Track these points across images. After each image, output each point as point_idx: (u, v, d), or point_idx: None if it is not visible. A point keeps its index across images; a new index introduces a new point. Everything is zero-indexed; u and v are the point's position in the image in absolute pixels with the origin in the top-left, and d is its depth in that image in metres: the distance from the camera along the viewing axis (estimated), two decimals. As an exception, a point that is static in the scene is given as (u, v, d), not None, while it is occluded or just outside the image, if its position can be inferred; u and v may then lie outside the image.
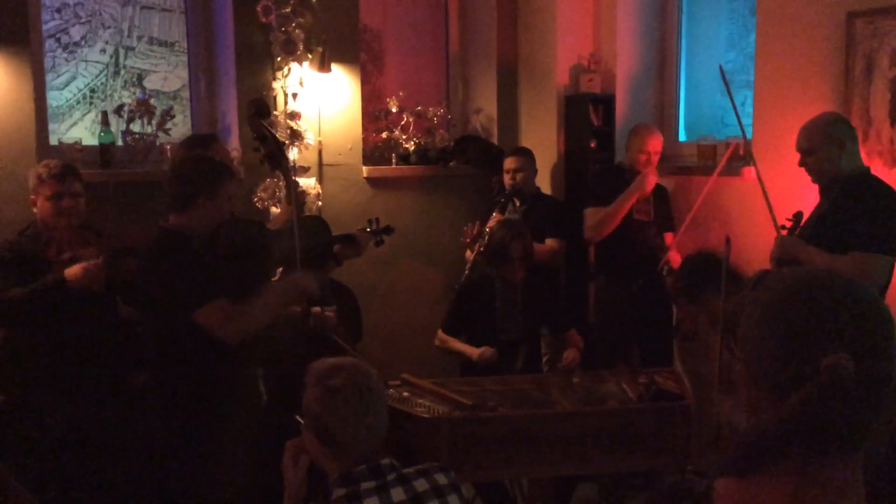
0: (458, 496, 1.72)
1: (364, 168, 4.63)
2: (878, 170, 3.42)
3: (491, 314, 3.67)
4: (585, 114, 4.65)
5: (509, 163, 4.25)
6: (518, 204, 4.25)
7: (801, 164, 3.20)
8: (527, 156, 4.32)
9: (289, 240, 2.88)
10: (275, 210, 4.02)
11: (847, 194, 3.04)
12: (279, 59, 4.25)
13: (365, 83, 4.75)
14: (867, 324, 0.93)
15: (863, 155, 3.48)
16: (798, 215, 3.30)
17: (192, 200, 2.68)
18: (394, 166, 4.77)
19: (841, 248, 2.96)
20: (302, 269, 2.85)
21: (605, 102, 4.67)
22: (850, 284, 0.98)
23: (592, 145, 4.67)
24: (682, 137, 4.81)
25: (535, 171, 4.35)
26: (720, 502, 0.99)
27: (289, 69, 4.26)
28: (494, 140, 4.95)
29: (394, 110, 4.80)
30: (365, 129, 4.73)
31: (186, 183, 2.70)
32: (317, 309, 2.98)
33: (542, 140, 4.81)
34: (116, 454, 2.93)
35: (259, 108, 3.16)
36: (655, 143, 4.19)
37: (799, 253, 3.02)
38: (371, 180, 4.66)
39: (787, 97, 3.79)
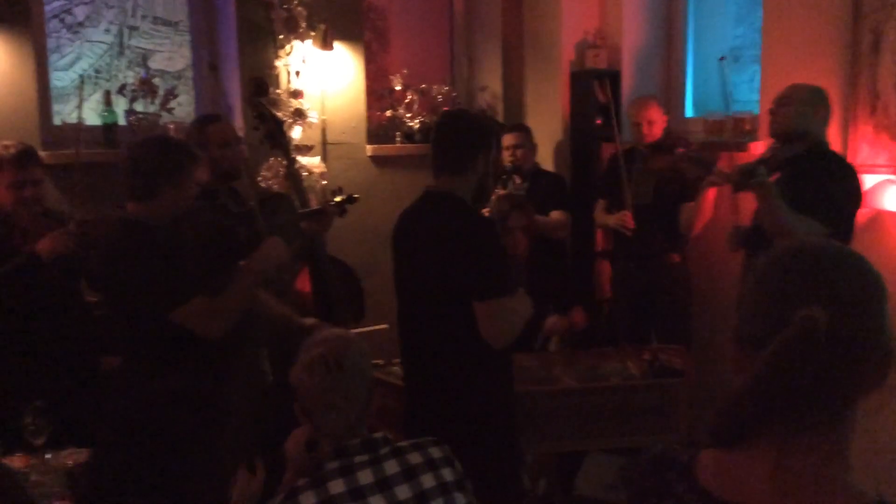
0: (452, 470, 1.72)
1: (368, 147, 4.62)
2: (885, 143, 3.38)
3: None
4: (591, 90, 4.61)
5: (508, 139, 4.23)
6: (519, 181, 4.23)
7: (771, 113, 3.19)
8: (525, 132, 4.29)
9: (254, 221, 2.77)
10: (277, 189, 4.02)
11: (811, 164, 3.05)
12: (281, 37, 4.23)
13: (369, 61, 4.72)
14: (848, 285, 0.93)
15: (869, 129, 3.45)
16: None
17: (154, 189, 2.47)
18: (398, 145, 4.76)
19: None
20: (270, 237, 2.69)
21: (612, 78, 4.63)
22: (837, 248, 0.97)
23: (598, 122, 4.63)
24: (689, 113, 4.77)
25: (534, 148, 4.32)
26: (704, 472, 0.99)
27: (291, 47, 4.24)
28: (500, 117, 4.92)
29: (398, 88, 4.78)
30: (369, 107, 4.71)
31: (148, 170, 2.47)
32: None
33: (548, 117, 4.78)
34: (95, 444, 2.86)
35: (258, 87, 3.14)
36: (646, 112, 4.11)
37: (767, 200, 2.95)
38: (375, 159, 4.65)
39: (794, 72, 3.73)
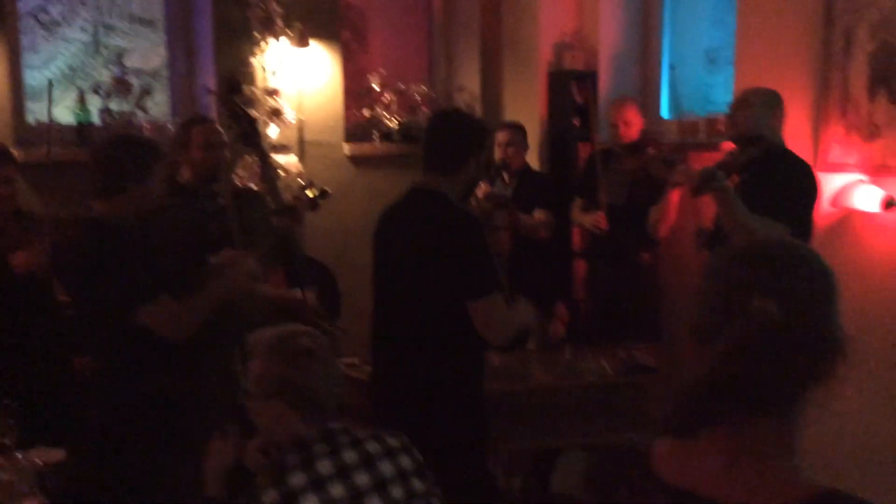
0: (411, 458, 1.73)
1: (346, 146, 4.62)
2: (856, 144, 3.42)
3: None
4: (569, 90, 4.64)
5: (501, 136, 4.25)
6: (507, 179, 4.25)
7: (730, 118, 3.25)
8: (519, 130, 4.31)
9: (226, 218, 2.75)
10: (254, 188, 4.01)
11: (768, 166, 3.09)
12: (257, 35, 4.23)
13: (347, 61, 4.73)
14: (800, 280, 0.95)
15: (840, 130, 3.50)
16: None
17: (119, 187, 2.43)
18: (376, 144, 4.76)
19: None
20: (240, 249, 2.68)
21: (589, 79, 4.66)
22: (789, 243, 1.00)
23: (576, 122, 4.66)
24: (665, 114, 4.81)
25: (526, 147, 4.34)
26: (659, 461, 1.00)
27: (267, 45, 4.24)
28: (478, 117, 4.94)
29: (376, 88, 4.79)
30: (347, 106, 4.72)
31: (112, 168, 2.44)
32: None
33: (526, 117, 4.79)
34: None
35: (231, 85, 3.13)
36: (623, 113, 4.16)
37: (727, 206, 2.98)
38: (353, 158, 4.65)
39: (767, 73, 3.77)
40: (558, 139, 4.74)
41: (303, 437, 1.65)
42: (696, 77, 4.75)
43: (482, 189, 4.07)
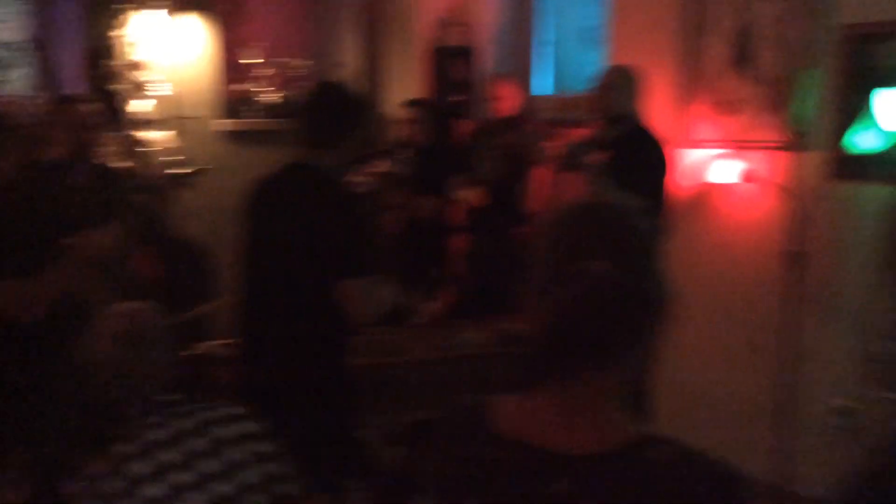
0: (254, 425, 1.73)
1: (222, 121, 4.50)
2: (718, 119, 3.58)
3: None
4: (449, 67, 4.66)
5: (405, 113, 4.23)
6: (409, 157, 4.22)
7: (596, 99, 3.35)
8: (423, 108, 4.29)
9: (86, 197, 2.68)
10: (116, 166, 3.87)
11: (631, 143, 3.23)
12: (124, 6, 4.06)
13: (225, 33, 4.60)
14: (629, 238, 0.99)
15: (703, 107, 3.64)
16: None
17: None
18: (255, 120, 4.66)
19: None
20: (96, 225, 2.60)
21: (468, 55, 4.69)
22: (617, 203, 1.04)
23: (456, 98, 4.69)
24: (544, 91, 4.89)
25: (428, 124, 4.32)
26: (496, 417, 1.02)
27: (132, 17, 4.08)
28: (359, 93, 4.90)
29: (255, 62, 4.68)
30: (226, 81, 4.60)
31: None
32: None
33: (408, 93, 4.79)
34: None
35: (94, 60, 3.00)
36: (501, 88, 4.23)
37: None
38: (231, 134, 4.54)
39: (637, 52, 3.88)
40: (440, 115, 4.75)
41: (132, 409, 1.63)
42: (576, 54, 4.85)
43: (379, 167, 4.05)
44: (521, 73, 4.81)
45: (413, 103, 4.33)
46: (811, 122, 3.22)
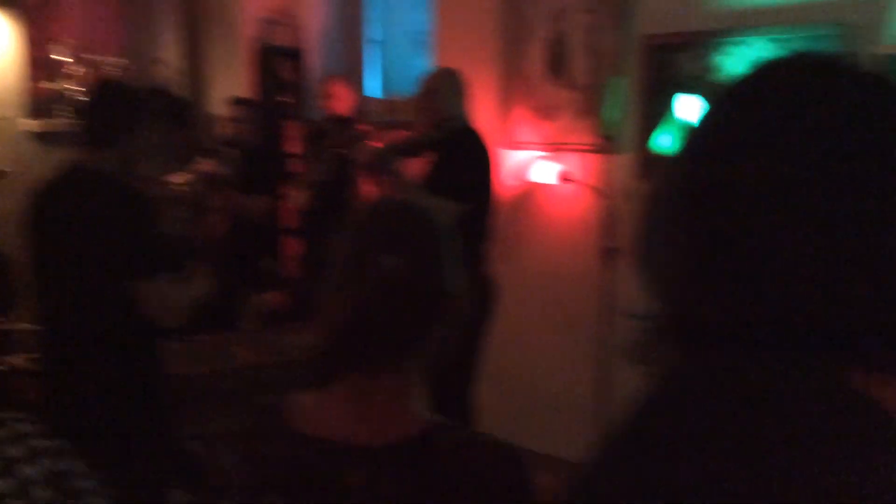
0: (47, 441, 1.64)
1: (30, 121, 4.21)
2: (537, 123, 3.74)
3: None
4: (276, 67, 4.60)
5: (230, 112, 4.11)
6: (235, 156, 4.10)
7: (419, 104, 3.34)
8: (248, 106, 4.19)
9: None
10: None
11: (456, 145, 3.24)
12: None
13: (34, 28, 4.30)
14: (420, 237, 1.03)
15: (524, 111, 3.80)
16: None
17: None
18: (65, 120, 4.39)
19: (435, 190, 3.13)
20: None
21: (296, 56, 4.65)
22: (410, 204, 1.07)
23: (284, 99, 4.64)
24: (373, 93, 4.92)
25: (255, 123, 4.22)
26: (293, 414, 1.03)
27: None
28: (181, 93, 4.73)
29: (64, 59, 4.41)
30: (33, 78, 4.31)
31: None
32: None
33: (234, 92, 4.67)
34: None
35: None
36: (332, 89, 4.23)
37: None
38: (39, 135, 4.26)
39: (461, 55, 3.97)
40: (267, 116, 4.68)
41: None
42: (405, 57, 4.91)
43: (203, 166, 3.93)
44: (351, 75, 4.82)
45: (238, 102, 4.24)
46: (619, 126, 3.43)
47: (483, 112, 3.75)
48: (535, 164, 3.68)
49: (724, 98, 0.64)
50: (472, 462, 0.97)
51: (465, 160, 3.19)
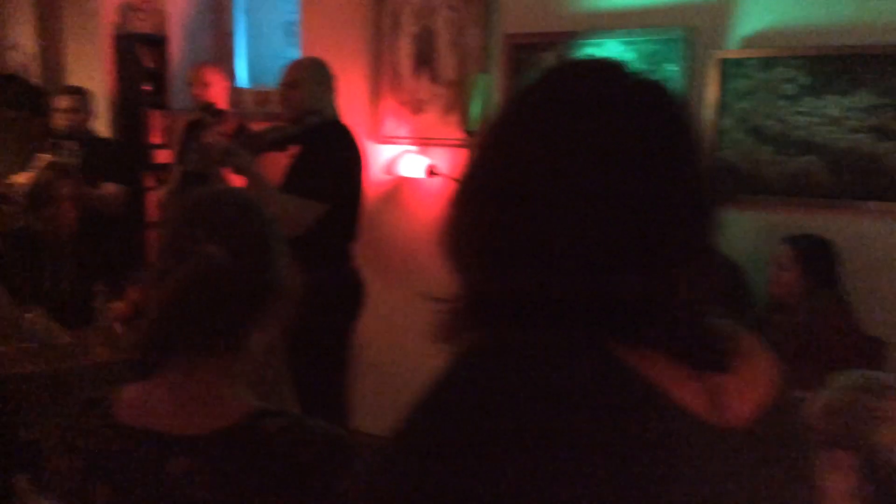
0: None
1: None
2: (406, 117, 3.78)
3: (39, 270, 3.38)
4: (138, 54, 4.45)
5: (62, 102, 3.91)
6: (75, 148, 3.92)
7: (282, 96, 3.23)
8: (82, 95, 4.00)
9: None
10: None
11: (321, 138, 3.15)
12: None
13: None
14: (244, 227, 1.04)
15: (393, 104, 3.83)
16: None
17: None
18: None
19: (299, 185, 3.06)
20: None
21: (158, 43, 4.51)
22: (236, 195, 1.08)
23: (147, 87, 4.49)
24: (242, 83, 4.84)
25: (89, 112, 4.05)
26: (120, 406, 1.02)
27: None
28: (36, 80, 4.52)
29: None
30: None
31: None
32: None
33: (91, 81, 4.49)
34: None
35: None
36: (202, 76, 4.08)
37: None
38: None
39: (329, 47, 3.96)
40: (127, 105, 4.53)
41: None
42: (275, 48, 4.85)
43: (43, 158, 3.75)
44: (218, 64, 4.72)
45: (69, 91, 4.02)
46: (483, 122, 3.52)
47: (352, 106, 3.76)
48: (403, 159, 3.72)
49: (514, 98, 0.70)
50: (295, 445, 0.99)
51: (330, 155, 3.10)
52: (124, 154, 4.21)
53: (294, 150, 3.22)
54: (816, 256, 2.72)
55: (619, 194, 0.62)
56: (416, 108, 3.79)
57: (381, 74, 3.86)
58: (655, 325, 0.63)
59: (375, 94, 3.87)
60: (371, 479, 0.68)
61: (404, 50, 3.80)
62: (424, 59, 3.75)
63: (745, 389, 0.69)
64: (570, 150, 0.64)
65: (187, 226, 1.03)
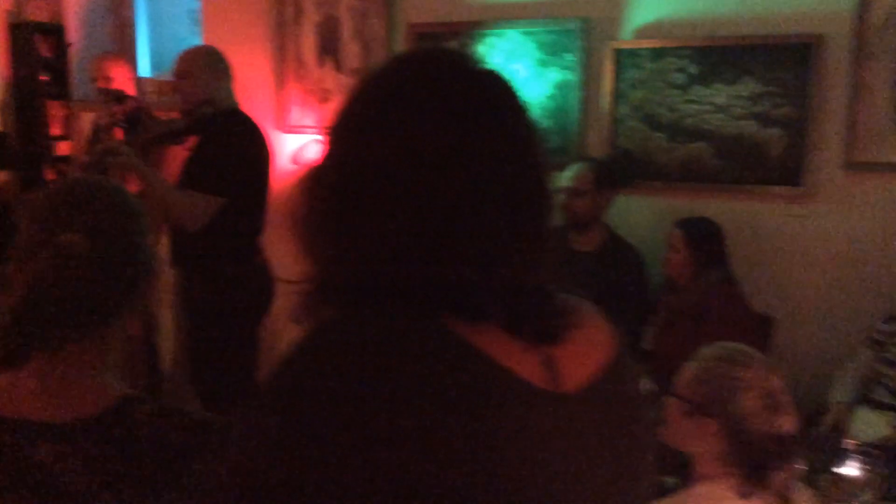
0: None
1: None
2: (312, 106, 3.78)
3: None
4: (34, 43, 4.31)
5: None
6: None
7: (176, 88, 3.17)
8: None
9: None
10: None
11: (220, 130, 3.05)
12: None
13: None
14: (104, 214, 1.05)
15: (298, 93, 3.82)
16: None
17: None
18: None
19: (197, 178, 2.99)
20: None
21: (56, 32, 4.37)
22: (99, 182, 1.10)
23: (45, 78, 4.36)
24: (145, 73, 4.74)
25: None
26: None
27: None
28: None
29: None
30: None
31: None
32: None
33: (-15, 70, 4.35)
34: None
35: None
36: (105, 67, 3.93)
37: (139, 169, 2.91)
38: None
39: (232, 36, 3.92)
40: (23, 96, 4.38)
41: None
42: (178, 36, 4.76)
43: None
44: (119, 53, 4.60)
45: None
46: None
47: (257, 95, 3.74)
48: (310, 148, 3.72)
49: (355, 87, 0.74)
50: (162, 431, 1.01)
51: (226, 145, 2.98)
52: (13, 145, 4.08)
53: (192, 142, 3.13)
54: (704, 238, 2.84)
55: (445, 182, 0.67)
56: (322, 96, 3.79)
57: (285, 63, 3.84)
58: (491, 302, 0.68)
59: (280, 83, 3.85)
60: (224, 443, 0.71)
61: (308, 38, 3.79)
62: (328, 48, 3.75)
63: (580, 358, 0.74)
64: (399, 141, 0.68)
65: (47, 215, 1.04)
